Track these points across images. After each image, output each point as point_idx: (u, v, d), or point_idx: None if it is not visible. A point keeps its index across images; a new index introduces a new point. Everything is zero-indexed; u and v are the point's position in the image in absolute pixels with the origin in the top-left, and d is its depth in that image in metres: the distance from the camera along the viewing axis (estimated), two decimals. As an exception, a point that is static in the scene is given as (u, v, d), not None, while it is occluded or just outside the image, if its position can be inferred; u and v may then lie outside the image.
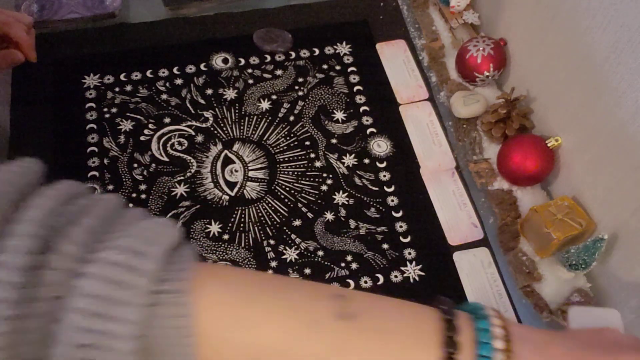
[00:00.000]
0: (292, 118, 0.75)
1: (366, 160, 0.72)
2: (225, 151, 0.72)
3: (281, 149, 0.72)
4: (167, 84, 0.77)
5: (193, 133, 0.73)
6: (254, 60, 0.80)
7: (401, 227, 0.67)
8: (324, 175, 0.71)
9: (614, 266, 0.60)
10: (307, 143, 0.73)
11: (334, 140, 0.73)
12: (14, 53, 0.70)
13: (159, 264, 0.31)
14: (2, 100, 0.74)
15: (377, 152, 0.73)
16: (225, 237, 0.65)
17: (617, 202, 0.58)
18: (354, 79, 0.79)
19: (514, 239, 0.65)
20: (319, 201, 0.68)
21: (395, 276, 0.64)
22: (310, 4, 0.86)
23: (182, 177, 0.69)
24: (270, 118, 0.75)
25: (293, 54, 0.81)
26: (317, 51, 0.82)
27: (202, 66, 0.79)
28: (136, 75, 0.77)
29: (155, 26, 0.82)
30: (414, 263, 0.65)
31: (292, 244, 0.65)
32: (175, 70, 0.78)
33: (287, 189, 0.69)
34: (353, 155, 0.72)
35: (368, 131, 0.75)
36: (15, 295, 0.28)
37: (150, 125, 0.73)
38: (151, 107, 0.75)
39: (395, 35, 0.84)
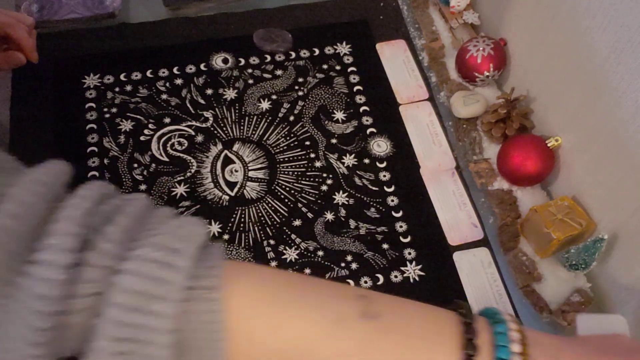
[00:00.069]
0: (292, 118, 0.75)
1: (366, 160, 0.72)
2: (225, 151, 0.72)
3: (281, 149, 0.72)
4: (167, 84, 0.77)
5: (193, 133, 0.73)
6: (254, 60, 0.80)
7: (401, 227, 0.67)
8: (324, 175, 0.71)
9: (614, 266, 0.60)
10: (307, 143, 0.73)
11: (334, 140, 0.73)
12: (16, 55, 0.70)
13: (192, 261, 0.32)
14: (2, 100, 0.74)
15: (377, 152, 0.73)
16: (225, 237, 0.65)
17: (617, 202, 0.58)
18: (354, 79, 0.79)
19: (514, 239, 0.65)
20: (319, 201, 0.68)
21: (395, 276, 0.64)
22: (310, 4, 0.86)
23: (182, 177, 0.69)
24: (270, 118, 0.75)
25: (293, 54, 0.81)
26: (317, 51, 0.82)
27: (202, 66, 0.79)
28: (136, 75, 0.77)
29: (155, 26, 0.82)
30: (414, 263, 0.65)
31: (292, 244, 0.65)
32: (175, 70, 0.78)
33: (287, 189, 0.69)
34: (353, 155, 0.72)
35: (368, 131, 0.75)
36: (58, 292, 0.29)
37: (150, 125, 0.73)
38: (151, 107, 0.75)
39: (395, 35, 0.84)
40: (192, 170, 0.70)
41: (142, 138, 0.72)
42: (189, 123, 0.74)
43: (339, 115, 0.76)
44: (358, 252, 0.65)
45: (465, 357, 0.36)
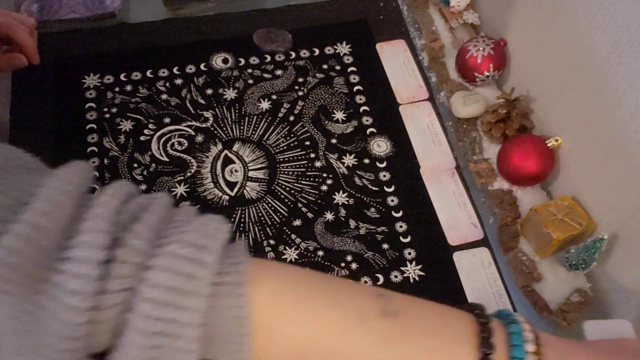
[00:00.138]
0: (292, 118, 0.75)
1: (366, 160, 0.72)
2: (225, 151, 0.72)
3: (281, 149, 0.72)
4: (167, 84, 0.77)
5: (193, 133, 0.73)
6: (254, 60, 0.80)
7: (401, 227, 0.67)
8: (324, 175, 0.71)
9: (614, 266, 0.60)
10: (307, 143, 0.73)
11: (334, 140, 0.73)
12: (18, 57, 0.70)
13: (218, 257, 0.33)
14: (2, 100, 0.74)
15: (377, 152, 0.73)
16: (225, 237, 0.65)
17: (617, 202, 0.58)
18: (354, 79, 0.79)
19: (514, 239, 0.65)
20: (319, 201, 0.68)
21: (395, 276, 0.64)
22: (310, 4, 0.86)
23: (182, 177, 0.69)
24: (270, 118, 0.75)
25: (293, 54, 0.81)
26: (317, 51, 0.82)
27: (202, 66, 0.79)
28: (136, 75, 0.77)
29: (155, 26, 0.82)
30: (414, 263, 0.65)
31: (292, 244, 0.65)
32: (175, 70, 0.78)
33: (287, 189, 0.69)
34: (353, 155, 0.72)
35: (368, 131, 0.75)
36: (92, 287, 0.29)
37: (150, 125, 0.73)
38: (151, 107, 0.75)
39: (395, 35, 0.84)
40: (192, 170, 0.70)
41: (142, 138, 0.72)
42: (189, 123, 0.74)
43: (339, 115, 0.76)
44: (358, 252, 0.65)
45: (482, 356, 0.36)
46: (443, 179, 0.71)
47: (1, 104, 0.73)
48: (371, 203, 0.69)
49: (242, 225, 0.66)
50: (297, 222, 0.67)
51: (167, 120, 0.74)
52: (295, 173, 0.71)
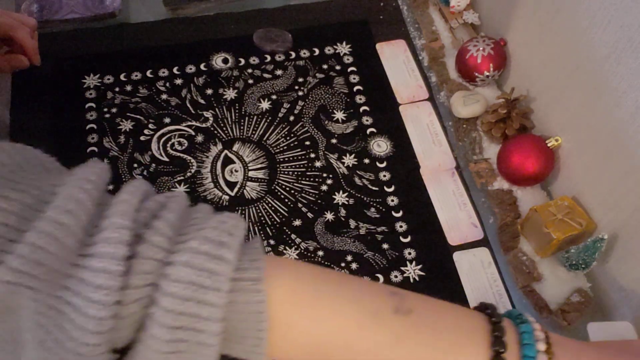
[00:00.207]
0: (292, 118, 0.75)
1: (366, 160, 0.72)
2: (225, 151, 0.72)
3: (281, 149, 0.72)
4: (167, 84, 0.77)
5: (193, 133, 0.73)
6: (254, 60, 0.80)
7: (401, 227, 0.67)
8: (324, 175, 0.71)
9: (614, 266, 0.60)
10: (307, 143, 0.73)
11: (334, 140, 0.73)
12: (19, 57, 0.70)
13: (237, 254, 0.34)
14: (2, 100, 0.74)
15: (377, 152, 0.73)
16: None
17: (617, 202, 0.58)
18: (354, 79, 0.79)
19: (514, 239, 0.65)
20: (319, 201, 0.68)
21: (395, 276, 0.64)
22: (310, 4, 0.86)
23: (182, 177, 0.70)
24: (270, 118, 0.75)
25: (293, 54, 0.81)
26: (317, 51, 0.82)
27: (202, 66, 0.79)
28: (136, 75, 0.77)
29: (155, 26, 0.82)
30: (414, 263, 0.65)
31: (292, 244, 0.65)
32: (175, 70, 0.78)
33: (287, 189, 0.69)
34: (353, 155, 0.72)
35: (368, 131, 0.75)
36: (116, 282, 0.30)
37: (150, 125, 0.73)
38: (151, 107, 0.75)
39: (395, 35, 0.84)
40: (192, 170, 0.70)
41: (142, 138, 0.72)
42: (189, 123, 0.74)
43: (339, 115, 0.76)
44: (358, 252, 0.65)
45: (494, 354, 0.37)
46: (443, 179, 0.71)
47: (1, 104, 0.73)
48: (371, 203, 0.69)
49: (242, 225, 0.66)
50: (297, 222, 0.67)
51: (167, 120, 0.74)
52: (295, 173, 0.71)
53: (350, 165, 0.71)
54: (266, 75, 0.79)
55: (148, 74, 0.78)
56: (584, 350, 0.41)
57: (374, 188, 0.70)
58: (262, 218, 0.67)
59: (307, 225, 0.67)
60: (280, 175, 0.70)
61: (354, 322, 0.36)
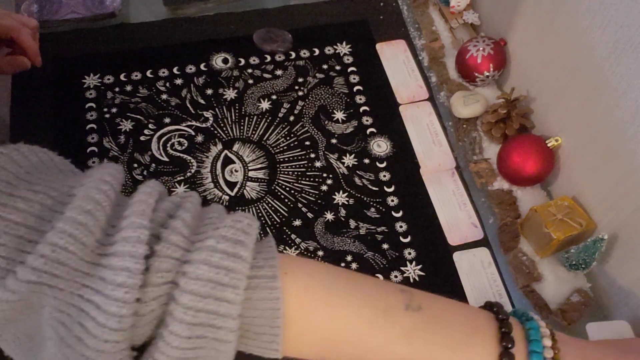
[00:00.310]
0: (292, 118, 0.75)
1: (366, 160, 0.72)
2: (225, 151, 0.72)
3: (281, 149, 0.72)
4: (167, 84, 0.77)
5: (193, 133, 0.73)
6: (254, 60, 0.80)
7: (401, 227, 0.67)
8: (324, 175, 0.71)
9: (614, 266, 0.60)
10: (307, 143, 0.73)
11: (334, 140, 0.73)
12: (20, 59, 0.70)
13: (252, 252, 0.34)
14: (2, 100, 0.74)
15: (377, 152, 0.73)
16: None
17: (617, 202, 0.58)
18: (354, 79, 0.79)
19: (514, 239, 0.65)
20: (319, 201, 0.68)
21: (395, 276, 0.64)
22: (310, 4, 0.86)
23: (182, 177, 0.69)
24: (270, 118, 0.75)
25: (293, 54, 0.81)
26: (317, 51, 0.82)
27: (202, 66, 0.79)
28: (136, 75, 0.77)
29: (155, 26, 0.82)
30: (414, 263, 0.65)
31: (292, 244, 0.65)
32: (175, 70, 0.78)
33: (287, 189, 0.69)
34: (353, 155, 0.72)
35: (368, 131, 0.75)
36: (137, 281, 0.31)
37: (150, 125, 0.73)
38: (151, 107, 0.75)
39: (395, 35, 0.84)
40: (192, 170, 0.70)
41: (142, 138, 0.72)
42: (189, 123, 0.74)
43: (339, 115, 0.76)
44: (358, 252, 0.65)
45: (502, 349, 0.38)
46: (443, 179, 0.71)
47: (1, 104, 0.73)
48: (371, 203, 0.69)
49: (242, 225, 0.66)
50: (297, 222, 0.67)
51: (167, 120, 0.74)
52: (295, 173, 0.71)
53: (350, 165, 0.71)
54: (266, 75, 0.79)
55: (148, 74, 0.78)
56: (588, 347, 0.42)
57: (374, 188, 0.70)
58: (262, 218, 0.67)
59: (307, 225, 0.67)
60: (280, 175, 0.70)
61: (366, 318, 0.37)
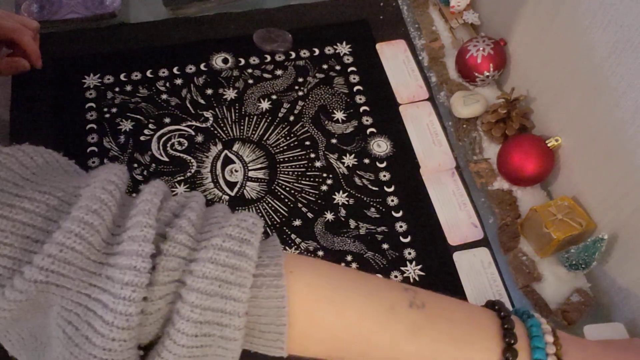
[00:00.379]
0: (292, 118, 0.75)
1: (366, 160, 0.72)
2: (225, 151, 0.72)
3: (281, 149, 0.72)
4: (167, 84, 0.77)
5: (193, 133, 0.73)
6: (254, 60, 0.80)
7: (401, 227, 0.67)
8: (324, 175, 0.71)
9: (614, 266, 0.60)
10: (307, 143, 0.73)
11: (334, 140, 0.73)
12: (21, 61, 0.71)
13: (258, 250, 0.35)
14: (2, 100, 0.74)
15: (377, 152, 0.73)
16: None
17: (617, 202, 0.58)
18: (354, 79, 0.79)
19: (514, 239, 0.65)
20: (319, 201, 0.68)
21: (395, 276, 0.64)
22: (310, 4, 0.86)
23: (182, 177, 0.69)
24: (270, 118, 0.75)
25: (293, 54, 0.81)
26: (317, 51, 0.82)
27: (202, 66, 0.79)
28: (136, 75, 0.77)
29: (155, 26, 0.82)
30: (414, 263, 0.65)
31: (292, 244, 0.65)
32: (175, 70, 0.78)
33: (287, 189, 0.69)
34: (353, 155, 0.72)
35: (368, 131, 0.75)
36: (144, 279, 0.31)
37: (150, 125, 0.73)
38: (151, 107, 0.75)
39: (395, 35, 0.84)
40: (192, 170, 0.70)
41: (142, 138, 0.72)
42: (189, 123, 0.74)
43: (339, 115, 0.76)
44: (358, 252, 0.65)
45: (506, 345, 0.38)
46: (443, 179, 0.71)
47: (1, 104, 0.73)
48: (371, 203, 0.69)
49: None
50: (297, 222, 0.67)
51: (167, 120, 0.74)
52: (295, 173, 0.71)
53: (350, 165, 0.71)
54: (266, 75, 0.79)
55: (148, 74, 0.78)
56: (589, 345, 0.43)
57: (374, 188, 0.70)
58: (262, 218, 0.67)
59: (307, 225, 0.67)
60: (280, 175, 0.70)
61: (372, 315, 0.37)
